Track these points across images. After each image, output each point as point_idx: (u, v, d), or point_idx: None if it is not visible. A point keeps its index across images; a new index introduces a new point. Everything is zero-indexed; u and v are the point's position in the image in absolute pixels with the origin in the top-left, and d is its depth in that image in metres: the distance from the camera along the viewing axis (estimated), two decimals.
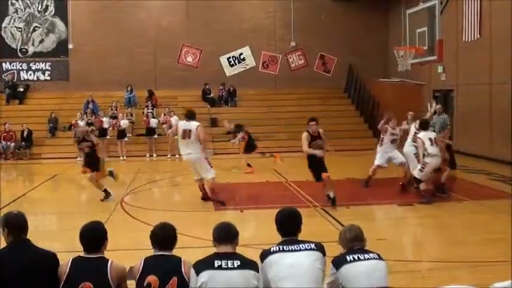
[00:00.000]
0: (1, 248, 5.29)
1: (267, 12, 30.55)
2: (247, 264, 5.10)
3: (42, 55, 29.70)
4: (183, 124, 13.47)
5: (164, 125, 25.03)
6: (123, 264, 5.18)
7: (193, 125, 13.38)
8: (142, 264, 5.09)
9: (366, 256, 5.33)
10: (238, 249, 5.32)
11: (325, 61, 24.55)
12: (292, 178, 17.04)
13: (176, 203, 13.82)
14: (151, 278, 4.93)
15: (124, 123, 25.08)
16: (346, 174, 17.36)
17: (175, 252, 5.28)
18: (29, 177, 20.88)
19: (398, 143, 15.64)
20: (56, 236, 10.21)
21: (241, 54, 22.94)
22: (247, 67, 23.15)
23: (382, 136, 15.68)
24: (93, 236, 5.19)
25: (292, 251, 5.33)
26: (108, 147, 24.77)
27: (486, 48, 21.32)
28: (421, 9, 21.47)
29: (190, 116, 13.60)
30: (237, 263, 5.05)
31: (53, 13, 29.62)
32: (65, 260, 5.09)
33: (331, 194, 12.79)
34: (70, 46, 29.54)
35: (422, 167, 13.43)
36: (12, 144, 24.61)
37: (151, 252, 5.26)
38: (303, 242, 5.44)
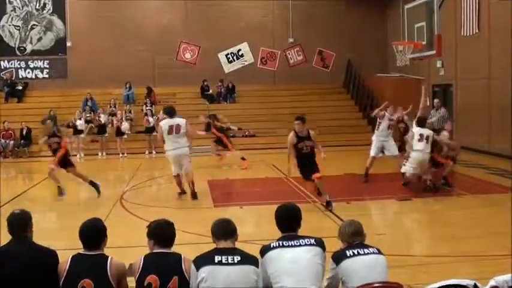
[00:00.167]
0: (2, 245, 5.32)
1: (265, 8, 30.49)
2: (247, 259, 5.11)
3: (40, 53, 29.65)
4: (168, 121, 13.61)
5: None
6: (122, 261, 5.18)
7: (181, 120, 13.74)
8: (141, 262, 5.07)
9: (366, 251, 5.34)
10: (238, 245, 5.32)
11: (323, 57, 24.53)
12: (292, 174, 17.01)
13: (176, 200, 13.80)
14: (152, 278, 4.92)
15: (125, 127, 25.01)
16: (345, 170, 17.39)
17: (176, 249, 5.27)
18: (28, 175, 20.87)
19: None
20: (55, 233, 10.22)
21: (239, 50, 22.92)
22: (246, 63, 23.12)
23: (379, 121, 15.92)
24: (93, 233, 5.20)
25: (292, 246, 5.34)
26: (107, 144, 24.80)
27: (485, 42, 21.32)
28: (420, 4, 21.47)
29: (172, 112, 13.83)
30: (237, 258, 5.06)
31: (50, 11, 29.57)
32: (65, 258, 5.09)
33: (327, 197, 12.34)
34: (68, 44, 29.50)
35: (405, 161, 13.77)
36: (12, 142, 24.60)
37: None
38: (303, 237, 5.46)
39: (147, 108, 26.52)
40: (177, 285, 4.93)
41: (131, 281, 5.13)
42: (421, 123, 14.07)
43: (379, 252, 5.39)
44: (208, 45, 24.11)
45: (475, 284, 4.85)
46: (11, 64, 29.41)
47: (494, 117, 20.85)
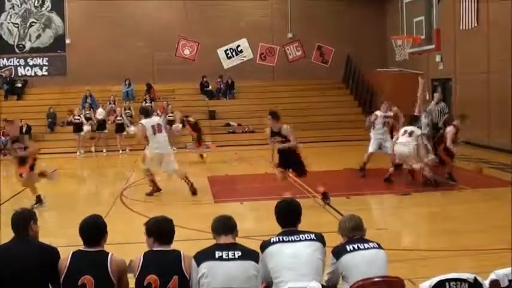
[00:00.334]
0: (3, 243, 5.35)
1: (263, 4, 30.44)
2: (248, 254, 5.11)
3: (39, 50, 29.63)
4: (149, 121, 13.66)
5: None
6: (123, 257, 5.19)
7: (159, 119, 14.20)
8: (141, 260, 5.05)
9: (366, 245, 5.35)
10: (239, 241, 5.33)
11: (322, 52, 24.55)
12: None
13: (176, 196, 13.80)
14: (152, 278, 4.91)
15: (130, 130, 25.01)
16: (345, 165, 17.39)
17: (176, 245, 5.28)
18: None
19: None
20: (56, 230, 10.22)
21: (238, 46, 22.94)
22: (245, 59, 23.14)
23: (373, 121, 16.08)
24: (93, 230, 5.20)
25: (292, 241, 5.36)
26: (106, 141, 24.78)
27: (483, 36, 21.29)
28: None
29: (149, 112, 14.13)
30: (238, 253, 5.06)
31: (49, 8, 29.54)
32: (65, 254, 5.10)
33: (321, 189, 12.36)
34: (67, 41, 29.48)
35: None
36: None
37: None
38: (303, 232, 5.47)
39: (147, 104, 26.46)
40: (177, 285, 4.93)
41: (131, 278, 5.14)
42: (411, 120, 14.22)
43: (379, 247, 5.39)
44: (207, 41, 24.11)
45: (475, 277, 4.85)
46: (10, 62, 29.40)
47: (494, 111, 20.84)
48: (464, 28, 22.48)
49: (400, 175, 14.70)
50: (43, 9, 29.51)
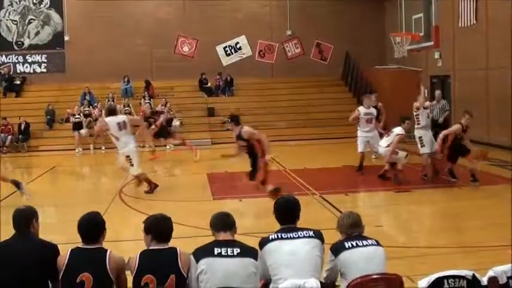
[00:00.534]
0: (4, 240, 5.36)
1: (262, 1, 30.43)
2: (247, 252, 5.12)
3: (38, 47, 29.58)
4: (114, 118, 13.68)
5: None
6: (121, 254, 5.19)
7: (125, 117, 14.29)
8: (138, 260, 5.03)
9: (364, 242, 5.35)
10: (238, 238, 5.33)
11: (321, 49, 24.59)
12: (291, 166, 17.04)
13: (175, 193, 13.80)
14: (149, 278, 4.90)
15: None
16: (344, 162, 17.38)
17: (174, 242, 5.27)
18: (27, 170, 20.86)
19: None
20: (55, 227, 10.22)
21: (237, 43, 22.97)
22: (244, 56, 23.18)
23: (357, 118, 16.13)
24: (92, 227, 5.21)
25: (290, 238, 5.36)
26: (105, 138, 24.74)
27: (482, 33, 21.28)
28: None
29: (114, 110, 14.16)
30: (236, 250, 5.07)
31: (48, 5, 29.50)
32: (64, 251, 5.10)
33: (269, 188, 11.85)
34: (66, 38, 29.44)
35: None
36: (9, 137, 24.57)
37: None
38: (302, 229, 5.47)
39: (146, 101, 26.49)
40: (175, 284, 4.92)
41: (130, 275, 5.14)
42: (401, 120, 14.26)
43: (378, 244, 5.40)
44: (206, 39, 24.12)
45: (473, 274, 4.87)
46: (9, 59, 29.36)
47: (493, 109, 20.84)
48: (463, 25, 22.46)
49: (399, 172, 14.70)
50: (42, 6, 29.47)
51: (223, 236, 5.24)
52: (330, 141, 23.77)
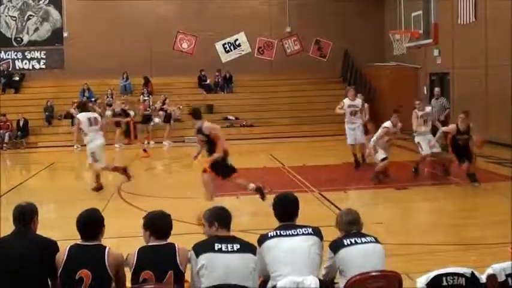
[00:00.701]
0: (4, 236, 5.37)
1: None
2: (246, 247, 5.15)
3: (37, 44, 29.55)
4: (86, 114, 13.92)
5: (161, 112, 25.16)
6: (120, 251, 5.19)
7: (95, 114, 14.44)
8: (136, 256, 5.06)
9: (363, 240, 5.35)
10: (237, 235, 5.34)
11: (320, 46, 24.57)
12: (290, 163, 17.04)
13: (174, 190, 13.80)
14: (147, 274, 4.92)
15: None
16: (343, 159, 17.37)
17: (173, 239, 5.27)
18: (26, 166, 20.86)
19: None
20: (54, 224, 10.21)
21: (236, 40, 22.97)
22: (243, 53, 23.18)
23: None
24: (90, 224, 5.21)
25: (289, 235, 5.36)
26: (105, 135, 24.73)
27: (481, 30, 21.28)
28: None
29: (85, 106, 14.49)
30: (236, 246, 5.09)
31: (47, 1, 29.45)
32: (62, 248, 5.11)
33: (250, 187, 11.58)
34: (65, 34, 29.40)
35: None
36: (7, 133, 24.54)
37: None
38: (300, 226, 5.48)
39: (145, 98, 26.47)
40: (173, 279, 4.95)
41: (128, 271, 5.15)
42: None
43: (376, 241, 5.40)
44: (206, 35, 24.09)
45: (472, 272, 4.87)
46: (8, 55, 29.32)
47: (492, 106, 20.83)
48: (462, 23, 22.45)
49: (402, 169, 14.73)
50: (41, 2, 29.43)
51: (223, 232, 5.26)
52: (329, 138, 23.75)
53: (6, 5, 29.25)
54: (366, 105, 17.55)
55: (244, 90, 29.15)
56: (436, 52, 24.81)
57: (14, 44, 29.36)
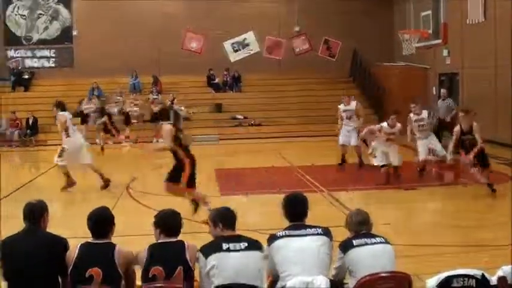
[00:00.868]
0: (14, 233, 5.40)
1: None
2: (253, 245, 5.20)
3: (46, 42, 29.57)
4: (67, 113, 13.99)
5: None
6: (130, 249, 5.22)
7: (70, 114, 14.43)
8: (147, 253, 5.11)
9: (373, 240, 5.35)
10: (246, 235, 5.35)
11: (329, 46, 24.50)
12: (299, 163, 17.03)
13: None
14: (157, 270, 4.98)
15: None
16: (352, 159, 17.31)
17: (182, 238, 5.30)
18: (35, 164, 20.93)
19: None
20: (63, 222, 10.23)
21: (245, 39, 22.94)
22: (251, 52, 23.14)
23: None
24: (100, 222, 5.26)
25: (299, 235, 5.37)
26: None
27: (491, 30, 21.21)
28: None
29: (64, 106, 14.24)
30: (243, 244, 5.13)
31: (56, 0, 29.51)
32: (73, 246, 5.13)
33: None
34: (74, 33, 29.41)
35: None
36: (17, 131, 24.62)
37: None
38: (310, 226, 5.48)
39: (154, 97, 26.51)
40: (182, 275, 4.99)
41: (138, 269, 5.18)
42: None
43: (386, 242, 5.40)
44: (214, 34, 24.07)
45: (482, 274, 4.85)
46: (18, 53, 29.38)
47: (501, 106, 20.75)
48: (471, 23, 22.37)
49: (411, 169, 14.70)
50: (50, 1, 29.46)
51: (229, 232, 5.29)
52: (338, 138, 23.71)
53: (16, 4, 29.31)
54: (362, 109, 17.78)
55: (252, 89, 29.15)
56: (445, 52, 24.73)
57: (24, 42, 29.41)
